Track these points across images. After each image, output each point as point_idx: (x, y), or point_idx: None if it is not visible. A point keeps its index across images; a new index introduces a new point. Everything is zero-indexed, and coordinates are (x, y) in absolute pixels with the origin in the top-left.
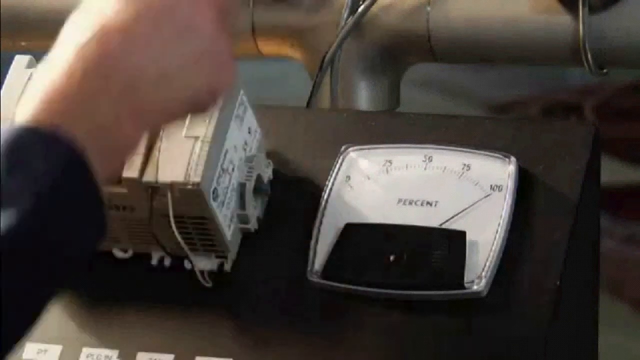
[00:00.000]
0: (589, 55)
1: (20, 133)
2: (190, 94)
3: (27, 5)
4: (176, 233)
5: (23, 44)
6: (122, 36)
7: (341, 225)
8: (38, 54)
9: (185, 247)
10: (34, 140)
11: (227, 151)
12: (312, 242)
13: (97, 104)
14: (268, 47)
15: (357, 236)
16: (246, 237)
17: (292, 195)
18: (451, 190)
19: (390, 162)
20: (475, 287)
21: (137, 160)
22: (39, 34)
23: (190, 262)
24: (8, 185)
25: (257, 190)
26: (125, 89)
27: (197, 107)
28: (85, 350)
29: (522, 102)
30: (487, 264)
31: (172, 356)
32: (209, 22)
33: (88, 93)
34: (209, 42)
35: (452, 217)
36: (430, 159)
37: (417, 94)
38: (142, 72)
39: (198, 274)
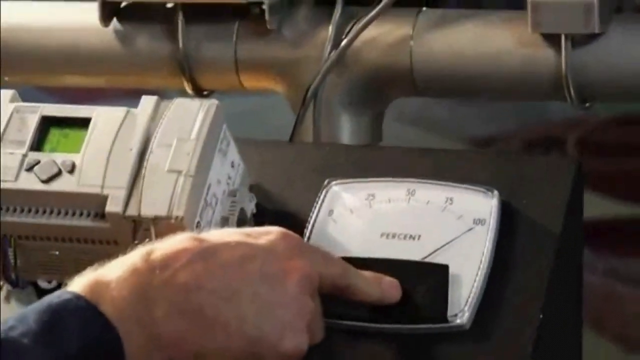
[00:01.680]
0: (572, 89)
1: (69, 297)
2: (253, 334)
3: (10, 41)
4: None
5: (6, 79)
6: (204, 266)
7: None
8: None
9: None
10: (78, 306)
11: (210, 185)
12: None
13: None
14: (251, 81)
15: None
16: None
17: None
18: (434, 223)
19: (373, 195)
20: (458, 321)
21: (120, 194)
22: (22, 69)
23: None
24: (43, 338)
25: (240, 224)
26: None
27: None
28: None
29: (505, 137)
30: (470, 297)
31: None
32: (296, 281)
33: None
34: (291, 298)
35: (435, 251)
36: (413, 193)
37: (400, 128)
38: (216, 303)
39: None
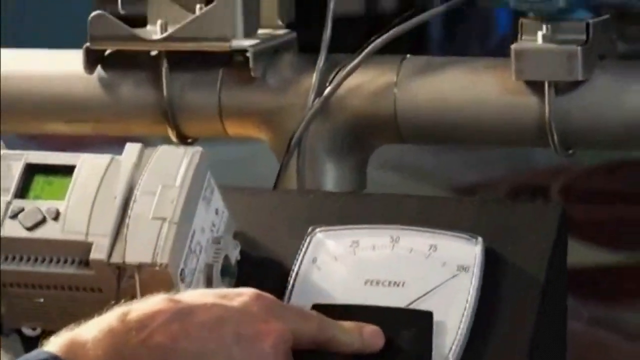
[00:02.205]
0: (555, 136)
1: (45, 357)
2: None
3: None
4: None
5: None
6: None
7: (308, 306)
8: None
9: None
10: None
11: (194, 232)
12: None
13: None
14: (235, 128)
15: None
16: None
17: (260, 276)
18: (418, 270)
19: (357, 243)
20: None
21: (104, 241)
22: (6, 117)
23: None
24: None
25: (225, 271)
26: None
27: None
28: None
29: (489, 184)
30: (455, 344)
31: None
32: (271, 343)
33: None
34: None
35: (419, 298)
36: (397, 240)
37: (384, 175)
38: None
39: None
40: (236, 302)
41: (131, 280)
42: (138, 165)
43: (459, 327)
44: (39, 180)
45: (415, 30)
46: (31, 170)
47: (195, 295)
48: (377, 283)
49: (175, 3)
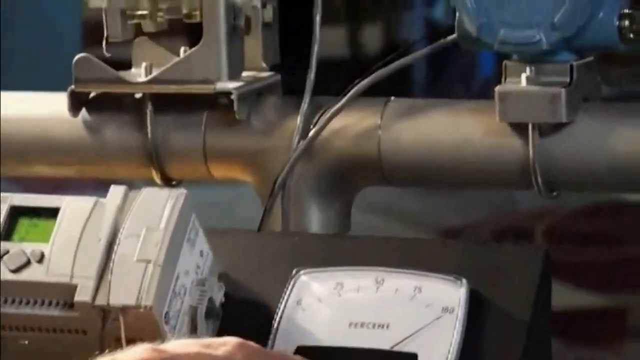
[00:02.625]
0: (539, 178)
1: None
2: None
3: None
4: None
5: None
6: None
7: (293, 348)
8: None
9: None
10: None
11: (178, 274)
12: None
13: None
14: (220, 170)
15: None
16: None
17: (244, 318)
18: (403, 312)
19: (341, 284)
20: None
21: (89, 283)
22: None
23: None
24: None
25: (209, 313)
26: None
27: None
28: None
29: (473, 227)
30: None
31: None
32: None
33: None
34: None
35: (404, 340)
36: (381, 282)
37: (368, 218)
38: None
39: None
40: (220, 352)
41: (116, 323)
42: (122, 208)
43: None
44: (23, 223)
45: (399, 73)
46: (16, 213)
47: (179, 345)
48: (362, 325)
49: (159, 46)
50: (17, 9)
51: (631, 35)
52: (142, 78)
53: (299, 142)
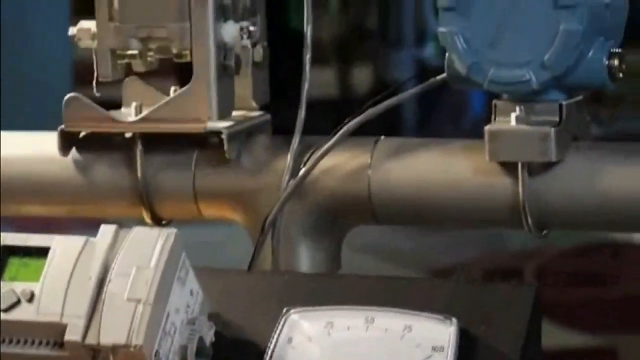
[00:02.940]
0: (529, 217)
1: None
2: None
3: None
4: None
5: None
6: None
7: None
8: None
9: None
10: None
11: (169, 313)
12: None
13: None
14: (210, 210)
15: None
16: None
17: (235, 357)
18: (392, 351)
19: (331, 324)
20: None
21: (79, 322)
22: None
23: None
24: None
25: (199, 352)
26: None
27: None
28: None
29: (463, 266)
30: None
31: None
32: None
33: None
34: None
35: None
36: (371, 321)
37: (358, 256)
38: None
39: None
40: None
41: None
42: (113, 247)
43: None
44: (14, 262)
45: (389, 112)
46: (6, 252)
47: None
48: None
49: (149, 85)
50: (8, 49)
51: (620, 75)
52: (132, 117)
53: (289, 181)
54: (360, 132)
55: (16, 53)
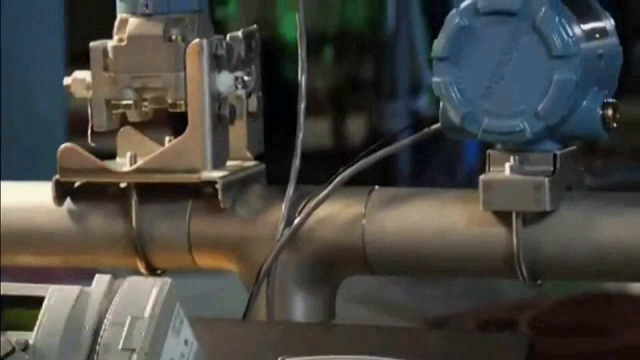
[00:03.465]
0: (523, 267)
1: None
2: None
3: None
4: None
5: None
6: None
7: None
8: None
9: None
10: None
11: None
12: None
13: None
14: (204, 259)
15: None
16: None
17: None
18: None
19: None
20: None
21: None
22: None
23: None
24: None
25: None
26: None
27: None
28: None
29: (457, 317)
30: None
31: None
32: None
33: None
34: None
35: None
36: None
37: (353, 306)
38: None
39: None
40: None
41: None
42: (107, 297)
43: None
44: (9, 311)
45: (383, 162)
46: (1, 302)
47: None
48: None
49: (144, 135)
50: (2, 99)
51: (615, 125)
52: (127, 167)
53: (283, 230)
54: (355, 181)
55: (12, 102)
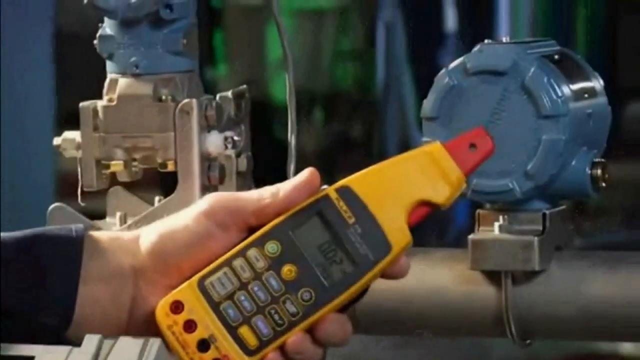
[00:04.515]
0: (512, 326)
1: None
2: None
3: None
4: None
5: None
6: None
7: None
8: None
9: None
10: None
11: None
12: None
13: None
14: None
15: None
16: None
17: None
18: None
19: None
20: None
21: None
22: None
23: None
24: None
25: None
26: None
27: None
28: None
29: None
30: None
31: None
32: None
33: None
34: None
35: None
36: None
37: None
38: None
39: None
40: None
41: None
42: (97, 357)
43: None
44: None
45: None
46: None
47: None
48: None
49: (134, 195)
50: None
51: (603, 184)
52: (117, 227)
53: None
54: None
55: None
